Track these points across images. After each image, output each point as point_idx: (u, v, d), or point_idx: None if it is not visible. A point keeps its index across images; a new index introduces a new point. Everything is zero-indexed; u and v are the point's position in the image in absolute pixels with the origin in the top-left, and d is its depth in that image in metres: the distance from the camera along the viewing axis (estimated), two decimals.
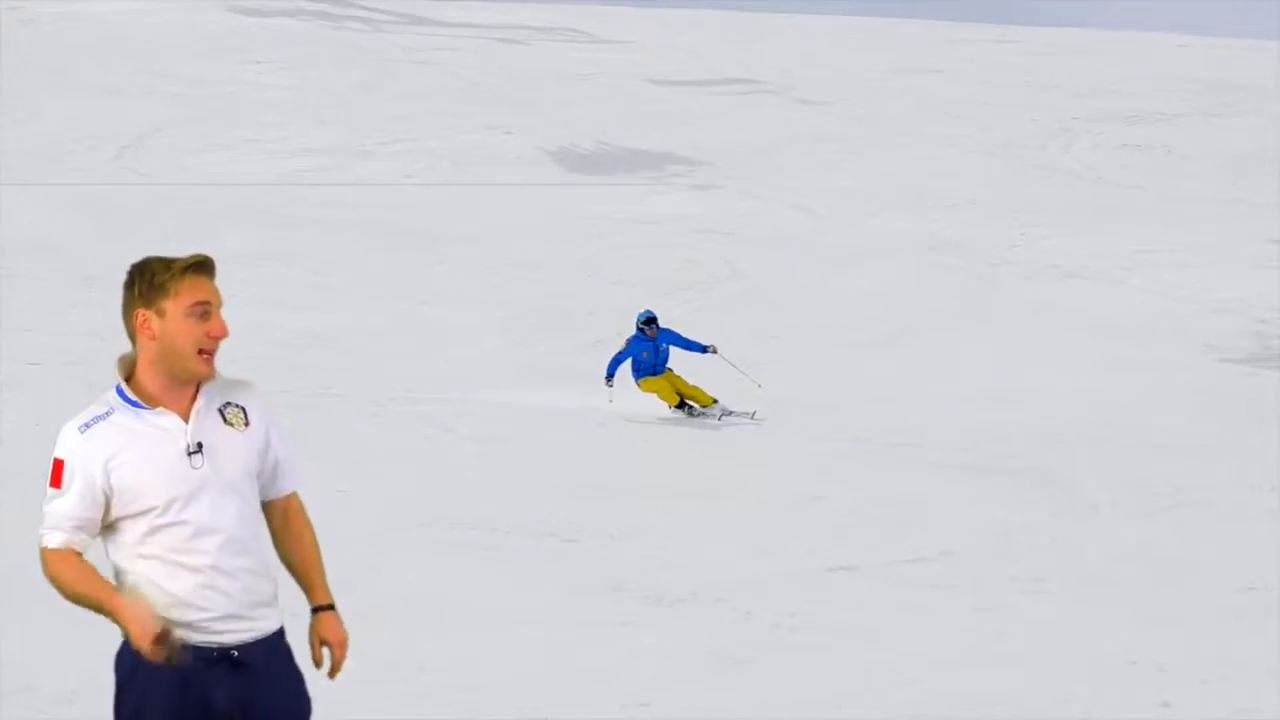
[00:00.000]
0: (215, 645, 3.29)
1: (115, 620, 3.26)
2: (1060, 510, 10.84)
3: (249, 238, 21.08)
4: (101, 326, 17.21)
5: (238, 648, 3.31)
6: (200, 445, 3.30)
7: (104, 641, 6.66)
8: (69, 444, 3.29)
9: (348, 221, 23.36)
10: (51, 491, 3.31)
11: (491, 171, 27.42)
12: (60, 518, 3.30)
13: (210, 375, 3.33)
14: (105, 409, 3.31)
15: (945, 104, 34.13)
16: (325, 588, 3.47)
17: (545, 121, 31.17)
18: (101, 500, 3.28)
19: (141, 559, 3.29)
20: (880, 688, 6.68)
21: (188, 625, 3.27)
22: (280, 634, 3.41)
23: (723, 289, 21.39)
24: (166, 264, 3.32)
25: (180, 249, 16.22)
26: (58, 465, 3.29)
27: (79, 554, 3.31)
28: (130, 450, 3.27)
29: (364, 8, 43.02)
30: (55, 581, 3.30)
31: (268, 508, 3.46)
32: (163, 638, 3.21)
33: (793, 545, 9.66)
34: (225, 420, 3.35)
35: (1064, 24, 48.16)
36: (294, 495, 3.49)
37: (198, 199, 24.71)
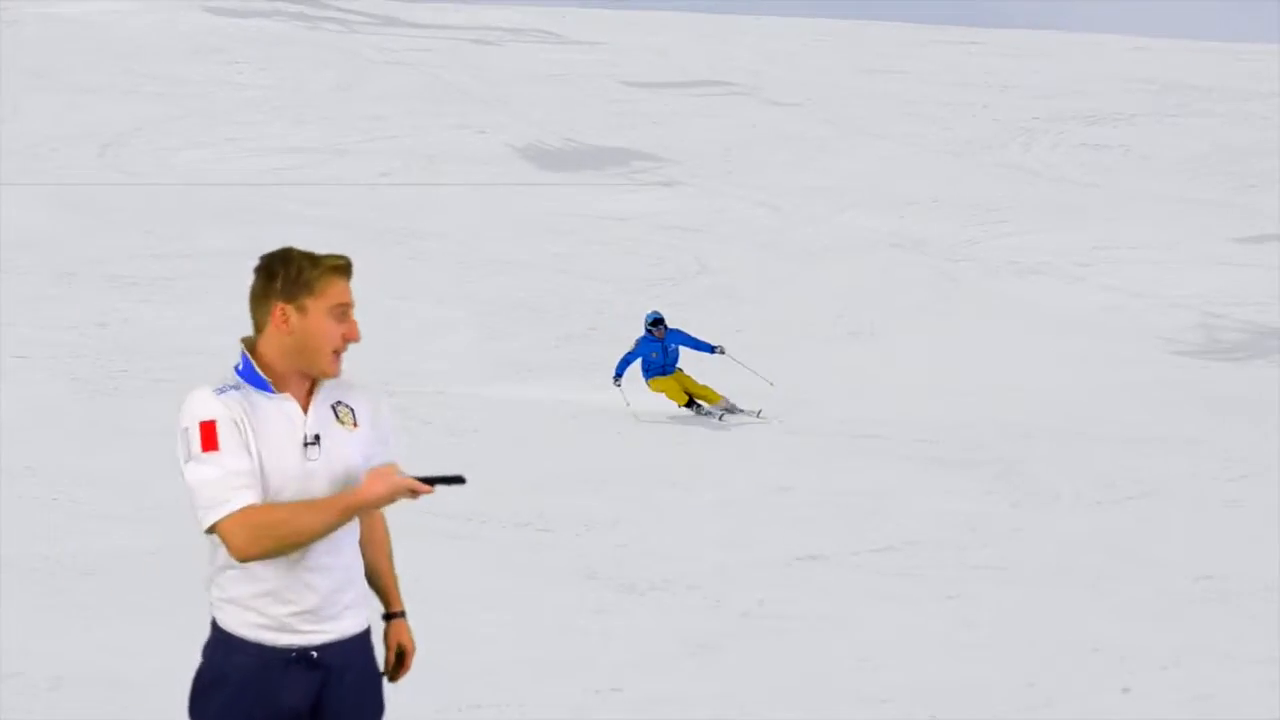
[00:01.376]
0: (295, 646, 3.25)
1: (363, 507, 3.21)
2: (1022, 501, 10.99)
3: (228, 235, 21.08)
4: (81, 320, 17.24)
5: (317, 648, 3.27)
6: (318, 437, 3.26)
7: (91, 630, 6.75)
8: (210, 406, 3.20)
9: (325, 219, 23.35)
10: (204, 456, 3.15)
11: (465, 170, 27.47)
12: (227, 477, 3.16)
13: (338, 374, 3.31)
14: (234, 382, 3.25)
15: (910, 104, 34.37)
16: (399, 596, 3.53)
17: (517, 121, 31.23)
18: (253, 455, 3.21)
19: None
20: (847, 673, 6.77)
21: (270, 621, 3.25)
22: (364, 635, 3.37)
23: (692, 285, 21.53)
24: (312, 260, 3.29)
25: (161, 245, 16.35)
26: (208, 427, 3.17)
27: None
28: (265, 426, 3.22)
29: (338, 9, 42.91)
30: (262, 535, 3.15)
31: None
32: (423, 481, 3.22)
33: (762, 535, 9.77)
34: (338, 418, 3.31)
35: (1027, 26, 48.56)
36: None
37: (179, 197, 24.69)
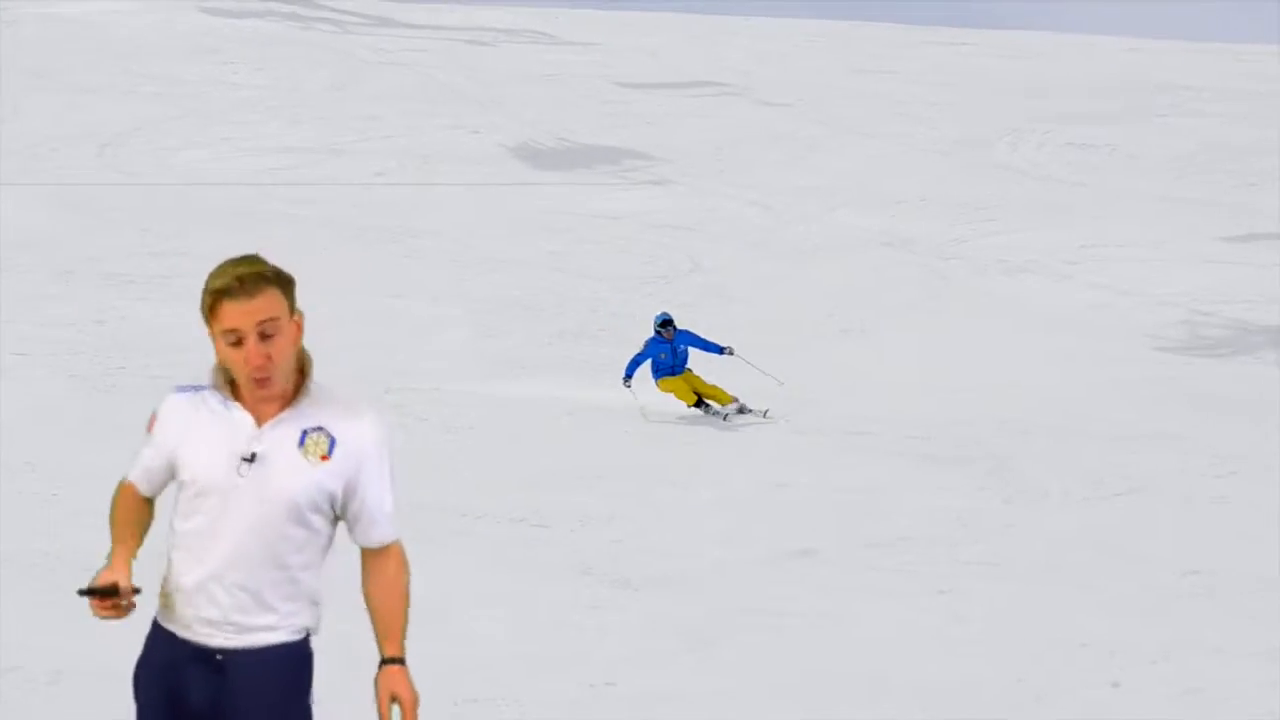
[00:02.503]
0: (199, 644, 3.18)
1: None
2: (1013, 497, 11.06)
3: (224, 234, 21.06)
4: (80, 318, 17.25)
5: (221, 651, 3.17)
6: (254, 456, 3.13)
7: (90, 626, 6.77)
8: (167, 401, 3.24)
9: (320, 218, 23.39)
10: (144, 437, 3.28)
11: (459, 169, 27.50)
12: (138, 458, 3.27)
13: (266, 396, 3.15)
14: (205, 385, 3.22)
15: (899, 104, 34.47)
16: (400, 641, 3.24)
17: (510, 121, 31.27)
18: (169, 457, 3.21)
19: (177, 531, 3.22)
20: (841, 668, 6.81)
21: (177, 616, 3.21)
22: (283, 649, 3.20)
23: (685, 283, 21.58)
24: (211, 280, 3.14)
25: (158, 244, 16.32)
26: (153, 417, 3.26)
27: (139, 493, 3.28)
28: (203, 430, 3.17)
29: (332, 9, 42.85)
30: (110, 509, 3.30)
31: (362, 551, 3.25)
32: (97, 594, 3.19)
33: (757, 531, 9.83)
34: (302, 444, 3.15)
35: (1014, 27, 48.73)
36: (393, 545, 3.25)
37: (176, 196, 24.70)
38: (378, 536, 3.22)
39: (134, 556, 3.28)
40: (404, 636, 3.25)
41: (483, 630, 7.17)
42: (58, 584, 7.54)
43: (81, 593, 3.22)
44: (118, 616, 3.21)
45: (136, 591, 3.23)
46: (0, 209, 22.13)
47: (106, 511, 3.27)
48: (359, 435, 3.16)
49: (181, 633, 3.19)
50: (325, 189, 25.89)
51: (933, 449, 12.82)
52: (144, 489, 3.29)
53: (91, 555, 8.43)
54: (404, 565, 3.27)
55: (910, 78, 37.83)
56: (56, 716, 5.73)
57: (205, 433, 3.17)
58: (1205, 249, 23.49)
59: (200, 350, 3.31)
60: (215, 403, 3.18)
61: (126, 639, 6.63)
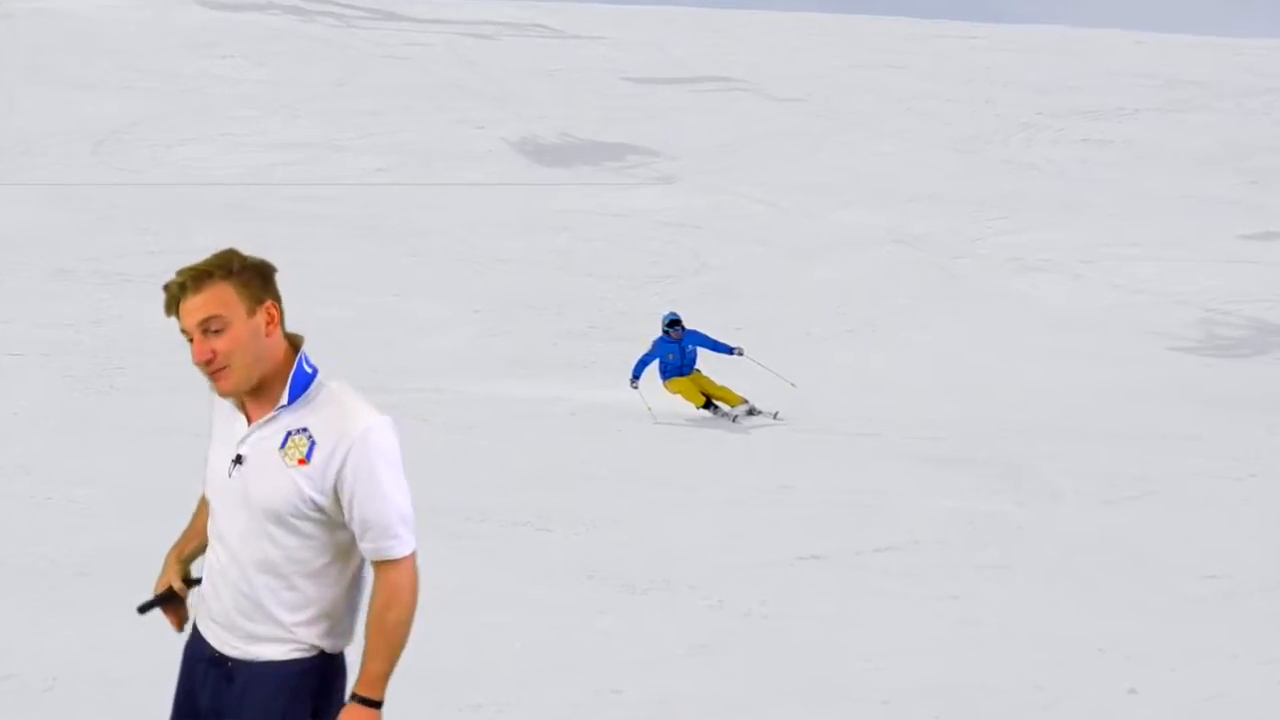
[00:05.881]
0: (214, 648, 3.17)
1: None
2: (1025, 499, 10.96)
3: (224, 232, 21.03)
4: (77, 318, 17.18)
5: (231, 660, 3.15)
6: (240, 458, 3.11)
7: (86, 631, 6.67)
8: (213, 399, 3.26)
9: (321, 215, 23.39)
10: None
11: (463, 165, 27.49)
12: None
13: (224, 394, 3.12)
14: None
15: (909, 100, 34.41)
16: (372, 678, 3.06)
17: (515, 116, 31.26)
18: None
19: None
20: (850, 673, 6.72)
21: (201, 613, 3.23)
22: (288, 665, 3.12)
23: (691, 281, 21.54)
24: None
25: (156, 242, 16.24)
26: None
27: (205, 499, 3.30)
28: (217, 430, 3.21)
29: (334, 3, 42.95)
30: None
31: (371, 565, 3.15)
32: (159, 605, 3.25)
33: (763, 534, 9.73)
34: (283, 445, 3.08)
35: (1026, 21, 48.71)
36: (387, 564, 3.08)
37: (173, 192, 24.69)
38: (367, 550, 3.09)
39: (189, 553, 3.35)
40: (377, 675, 3.05)
41: (486, 635, 7.08)
42: (53, 588, 7.45)
43: (142, 610, 3.24)
44: (185, 620, 3.26)
45: (194, 583, 3.28)
46: None
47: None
48: (343, 439, 3.04)
49: (202, 630, 3.20)
50: (326, 186, 25.88)
51: (943, 450, 12.73)
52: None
53: (88, 559, 8.32)
54: (396, 594, 3.07)
55: (921, 73, 37.81)
56: None
57: (217, 433, 3.20)
58: (1222, 248, 23.41)
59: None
60: (228, 409, 3.18)
61: (124, 645, 6.53)
